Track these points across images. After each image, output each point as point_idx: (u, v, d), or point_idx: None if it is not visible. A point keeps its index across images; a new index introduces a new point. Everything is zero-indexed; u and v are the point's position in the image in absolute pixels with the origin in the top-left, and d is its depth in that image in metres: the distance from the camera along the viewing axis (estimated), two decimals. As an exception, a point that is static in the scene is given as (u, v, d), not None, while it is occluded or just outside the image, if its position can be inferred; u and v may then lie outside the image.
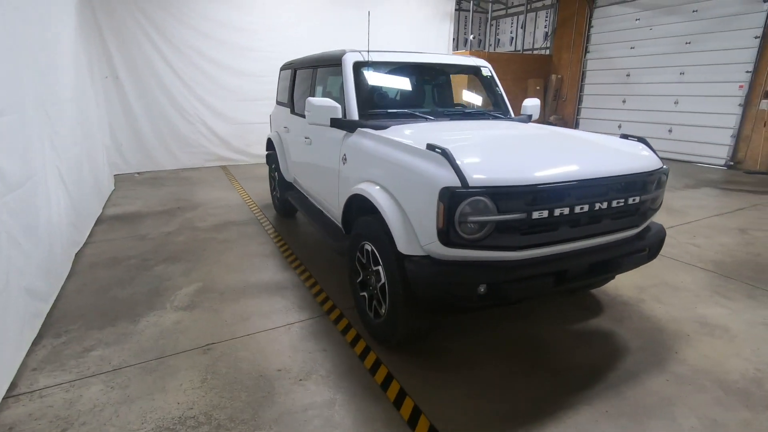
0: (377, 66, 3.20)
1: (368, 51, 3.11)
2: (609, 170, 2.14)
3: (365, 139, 2.67)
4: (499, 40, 12.73)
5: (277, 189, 4.89)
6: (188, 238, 4.23)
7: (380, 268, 2.34)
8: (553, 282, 2.05)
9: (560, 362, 2.39)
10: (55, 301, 2.93)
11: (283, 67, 4.74)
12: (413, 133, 2.58)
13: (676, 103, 8.42)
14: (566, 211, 2.00)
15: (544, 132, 2.93)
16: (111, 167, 6.38)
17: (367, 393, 2.13)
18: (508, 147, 2.49)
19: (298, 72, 4.23)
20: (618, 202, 2.15)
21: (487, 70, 3.54)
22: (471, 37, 10.94)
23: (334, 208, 3.16)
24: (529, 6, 11.58)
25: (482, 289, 1.94)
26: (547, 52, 11.36)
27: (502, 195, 1.89)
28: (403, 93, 3.50)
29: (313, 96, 3.68)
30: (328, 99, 2.91)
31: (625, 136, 2.66)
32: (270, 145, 4.94)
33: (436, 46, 9.51)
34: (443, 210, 1.87)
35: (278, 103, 4.90)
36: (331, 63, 3.31)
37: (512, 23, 12.23)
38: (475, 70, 3.58)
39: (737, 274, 3.51)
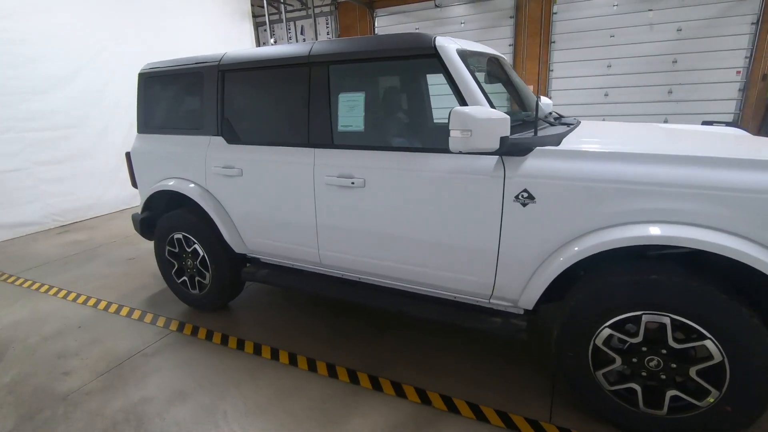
0: (475, 58, 2.28)
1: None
2: None
3: (592, 163, 1.81)
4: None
5: (210, 270, 3.10)
6: None
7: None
8: None
9: None
10: None
11: (198, 70, 2.88)
12: (615, 144, 1.97)
13: (669, 92, 8.77)
14: None
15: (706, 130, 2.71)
16: None
17: None
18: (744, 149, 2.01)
19: (255, 75, 2.67)
20: None
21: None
22: (272, 41, 9.72)
23: (473, 278, 2.15)
24: (306, 11, 11.22)
25: None
26: (335, 58, 11.33)
27: None
28: (496, 95, 2.63)
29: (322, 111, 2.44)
30: (488, 108, 1.85)
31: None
32: (152, 203, 3.32)
33: (239, 46, 8.02)
34: None
35: (175, 130, 3.05)
36: (393, 54, 2.24)
37: (289, 28, 11.60)
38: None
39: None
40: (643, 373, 1.87)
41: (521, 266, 2.02)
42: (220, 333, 2.99)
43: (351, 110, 2.39)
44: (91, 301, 3.58)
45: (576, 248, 1.82)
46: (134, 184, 3.47)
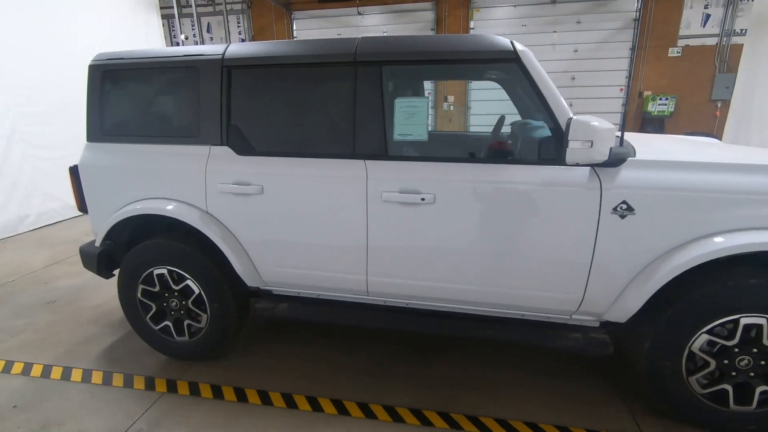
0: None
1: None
2: None
3: (694, 173, 1.84)
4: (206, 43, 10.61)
5: (208, 310, 2.55)
6: None
7: None
8: None
9: None
10: None
11: (191, 64, 2.34)
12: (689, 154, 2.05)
13: (571, 105, 9.33)
14: None
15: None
16: None
17: None
18: None
19: (277, 74, 2.30)
20: None
21: None
22: (183, 37, 8.52)
23: (560, 294, 2.07)
24: (214, 8, 10.24)
25: None
26: (249, 60, 10.54)
27: None
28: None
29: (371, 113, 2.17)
30: (600, 118, 1.78)
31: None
32: (112, 233, 2.66)
33: (146, 42, 6.98)
34: None
35: (152, 138, 2.48)
36: (463, 57, 2.07)
37: (193, 25, 10.46)
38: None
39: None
40: (733, 373, 1.95)
41: (614, 279, 1.97)
42: (230, 386, 2.43)
43: (410, 117, 2.12)
44: (17, 367, 2.66)
45: (686, 257, 1.82)
46: (82, 208, 2.68)
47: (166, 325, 2.60)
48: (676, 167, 1.87)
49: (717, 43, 8.73)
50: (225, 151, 2.34)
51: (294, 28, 10.28)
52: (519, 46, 1.99)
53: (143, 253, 2.51)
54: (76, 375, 2.57)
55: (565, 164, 1.92)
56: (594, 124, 1.70)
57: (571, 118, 1.74)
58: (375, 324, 2.34)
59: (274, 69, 2.26)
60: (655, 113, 9.51)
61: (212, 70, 2.32)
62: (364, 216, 2.17)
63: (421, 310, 2.36)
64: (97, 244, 2.61)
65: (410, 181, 2.09)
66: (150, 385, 2.47)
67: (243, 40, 10.55)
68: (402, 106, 2.13)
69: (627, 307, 1.97)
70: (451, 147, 2.18)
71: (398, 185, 2.10)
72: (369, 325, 2.35)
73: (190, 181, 2.38)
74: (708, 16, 8.71)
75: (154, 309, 2.59)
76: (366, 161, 2.15)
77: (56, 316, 3.29)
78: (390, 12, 9.80)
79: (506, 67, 2.02)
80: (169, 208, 2.40)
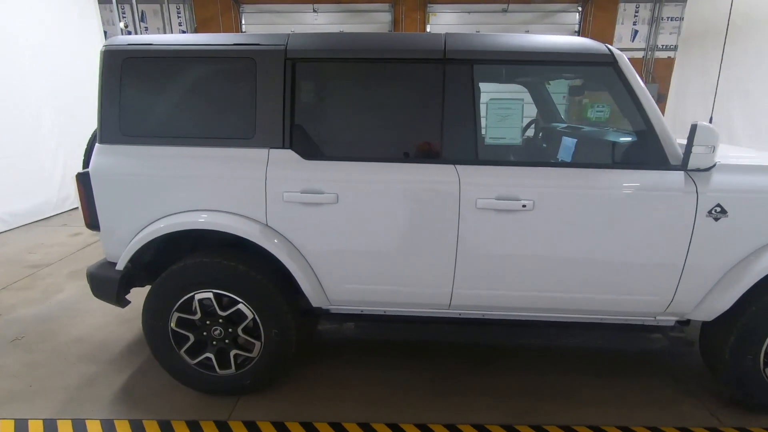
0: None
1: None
2: None
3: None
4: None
5: (263, 337, 2.23)
6: None
7: None
8: None
9: None
10: None
11: (246, 55, 2.05)
12: None
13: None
14: None
15: None
16: None
17: None
18: None
19: (351, 69, 2.11)
20: None
21: None
22: (122, 25, 7.48)
23: (650, 296, 2.10)
24: (150, -5, 9.27)
25: None
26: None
27: None
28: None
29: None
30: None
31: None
32: (156, 247, 2.27)
33: (82, 31, 6.12)
34: None
35: (188, 140, 2.14)
36: (560, 59, 2.05)
37: (123, 12, 9.36)
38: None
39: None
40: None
41: (704, 280, 2.04)
42: (295, 422, 2.13)
43: (504, 120, 2.02)
44: (6, 427, 2.11)
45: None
46: (92, 224, 2.20)
47: (206, 358, 2.23)
48: (764, 171, 1.98)
49: (644, 57, 9.74)
50: (288, 154, 2.05)
51: (242, 22, 9.66)
52: (616, 51, 1.98)
53: (182, 275, 2.12)
54: (94, 428, 2.11)
55: (670, 168, 1.94)
56: (715, 130, 1.74)
57: (696, 124, 1.76)
58: (457, 338, 2.21)
59: (348, 64, 2.03)
60: (594, 119, 10.39)
61: (273, 63, 2.02)
62: (454, 225, 2.03)
63: (500, 320, 2.27)
64: (120, 267, 2.16)
65: (508, 187, 1.99)
66: (196, 429, 2.09)
67: (184, 32, 9.68)
68: (495, 107, 2.02)
69: (716, 306, 2.05)
70: (550, 150, 2.12)
71: (495, 191, 1.99)
72: (448, 340, 2.21)
73: (245, 190, 2.06)
74: (636, 31, 9.68)
75: (191, 340, 2.21)
76: (457, 166, 2.01)
77: (32, 355, 2.69)
78: (346, 11, 9.60)
79: (601, 70, 2.00)
80: (223, 222, 2.05)
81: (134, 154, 2.11)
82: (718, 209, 1.95)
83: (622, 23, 9.64)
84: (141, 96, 2.12)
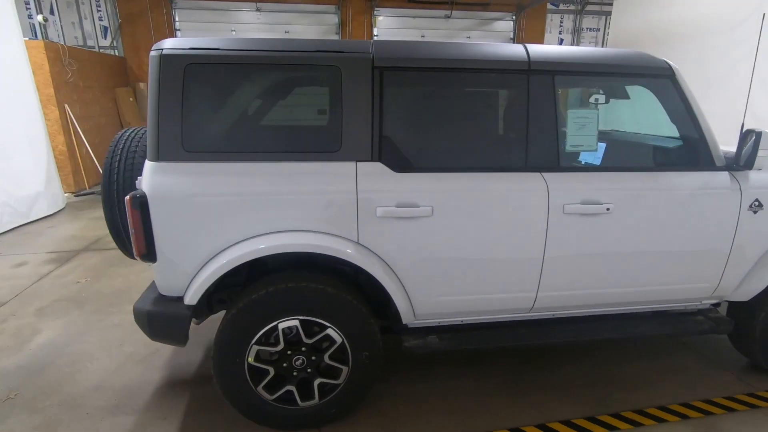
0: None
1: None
2: None
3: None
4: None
5: (350, 362, 2.11)
6: None
7: None
8: None
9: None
10: None
11: (329, 62, 1.91)
12: None
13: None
14: None
15: None
16: None
17: None
18: None
19: (441, 79, 2.10)
20: None
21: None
22: (41, 18, 6.31)
23: (701, 283, 2.36)
24: (62, -16, 8.15)
25: None
26: (115, 52, 8.71)
27: None
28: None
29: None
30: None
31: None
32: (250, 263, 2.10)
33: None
34: None
35: (263, 155, 1.96)
36: (628, 71, 2.18)
37: (28, 4, 8.11)
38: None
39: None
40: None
41: (743, 264, 2.33)
42: (393, 446, 2.03)
43: (582, 128, 2.12)
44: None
45: None
46: (148, 254, 1.88)
47: (288, 391, 2.04)
48: (786, 169, 2.31)
49: (568, 63, 10.70)
50: (378, 167, 1.95)
51: (176, 18, 8.89)
52: (674, 65, 2.18)
53: (264, 304, 1.91)
54: (170, 490, 1.82)
55: (715, 169, 2.19)
56: (774, 135, 2.00)
57: (761, 132, 2.00)
58: (538, 341, 2.27)
59: (436, 73, 1.99)
60: (594, 104, 11.25)
61: (360, 72, 1.91)
62: (543, 230, 2.08)
63: (568, 318, 2.38)
64: (193, 301, 1.88)
65: (590, 192, 2.09)
66: (291, 472, 1.90)
67: (106, 29, 8.66)
68: (574, 117, 2.12)
69: (752, 287, 2.35)
70: (623, 156, 2.26)
71: (579, 197, 2.08)
72: (531, 343, 2.26)
73: (334, 206, 1.91)
74: (562, 40, 10.63)
75: (271, 374, 2.00)
76: (543, 174, 2.07)
77: (42, 415, 2.23)
78: (292, 12, 9.28)
79: (660, 82, 2.19)
80: (314, 243, 1.89)
81: (202, 171, 1.86)
82: (757, 203, 2.25)
83: (550, 32, 10.53)
84: (207, 107, 1.87)
